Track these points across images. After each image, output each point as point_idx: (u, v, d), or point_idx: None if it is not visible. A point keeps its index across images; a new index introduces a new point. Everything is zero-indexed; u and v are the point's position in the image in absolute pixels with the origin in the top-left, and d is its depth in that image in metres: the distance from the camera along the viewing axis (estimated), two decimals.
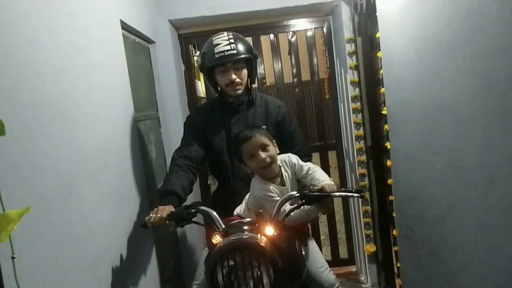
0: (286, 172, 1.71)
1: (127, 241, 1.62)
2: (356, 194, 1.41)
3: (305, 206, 1.46)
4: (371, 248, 2.83)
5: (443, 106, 1.38)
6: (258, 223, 1.35)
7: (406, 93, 1.74)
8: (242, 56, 1.83)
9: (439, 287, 1.60)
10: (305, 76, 3.13)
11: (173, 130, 2.71)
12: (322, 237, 3.57)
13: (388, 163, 2.12)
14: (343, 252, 3.34)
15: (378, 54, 2.13)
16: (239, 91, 1.91)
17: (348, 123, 2.92)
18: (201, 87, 3.56)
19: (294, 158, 1.74)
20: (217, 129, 1.95)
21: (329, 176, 1.75)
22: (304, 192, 1.42)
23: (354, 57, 2.73)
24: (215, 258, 1.22)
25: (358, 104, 2.77)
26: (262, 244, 1.22)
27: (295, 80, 3.13)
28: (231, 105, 1.95)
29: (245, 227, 1.34)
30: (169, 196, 1.64)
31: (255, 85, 2.11)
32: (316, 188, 1.45)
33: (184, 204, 1.61)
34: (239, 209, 1.76)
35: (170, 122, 2.72)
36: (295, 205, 1.47)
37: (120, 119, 1.74)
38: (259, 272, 1.20)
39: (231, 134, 1.91)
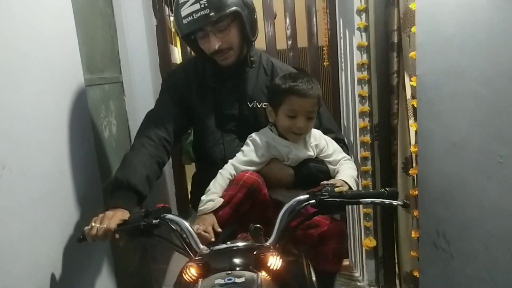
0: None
1: (62, 258, 1.13)
2: (396, 202, 0.98)
3: None
4: (370, 242, 2.45)
5: None
6: (255, 248, 0.90)
7: (456, 57, 1.28)
8: (221, 13, 1.26)
9: None
10: (302, 42, 2.65)
11: (140, 99, 2.19)
12: None
13: (413, 148, 1.68)
14: None
15: (411, 6, 1.64)
16: (230, 60, 1.39)
17: (350, 96, 2.46)
18: (178, 54, 3.06)
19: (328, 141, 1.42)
20: (205, 98, 1.46)
21: None
22: (322, 197, 0.97)
23: (363, 15, 2.25)
24: None
25: (366, 73, 2.30)
26: None
27: (290, 45, 2.63)
28: (224, 72, 1.44)
29: (238, 259, 0.87)
30: (124, 192, 1.16)
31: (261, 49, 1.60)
32: (335, 190, 1.00)
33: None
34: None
35: (137, 88, 2.19)
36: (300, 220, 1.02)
37: (56, 83, 1.22)
38: None
39: (222, 109, 1.44)
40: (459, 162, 1.32)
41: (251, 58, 1.44)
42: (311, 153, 1.36)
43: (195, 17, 1.25)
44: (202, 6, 1.24)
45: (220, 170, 1.31)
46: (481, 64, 1.17)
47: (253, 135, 1.37)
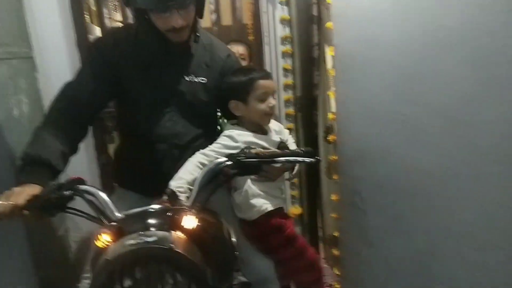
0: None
1: None
2: (308, 159, 1.02)
3: None
4: (296, 210, 2.55)
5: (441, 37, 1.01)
6: (171, 210, 0.89)
7: (369, 27, 1.35)
8: None
9: (402, 267, 1.32)
10: (226, 20, 2.63)
11: (55, 77, 2.05)
12: None
13: (331, 116, 1.75)
14: None
15: None
16: (185, 36, 1.33)
17: (275, 70, 2.49)
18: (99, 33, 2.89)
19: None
20: (140, 72, 1.37)
21: None
22: (239, 158, 0.99)
23: None
24: (102, 277, 0.74)
25: (289, 47, 2.35)
26: (180, 250, 0.77)
27: (214, 22, 2.61)
28: (169, 47, 1.36)
29: (151, 220, 0.87)
30: (37, 167, 1.10)
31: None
32: (252, 151, 1.03)
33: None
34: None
35: (51, 65, 2.04)
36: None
37: None
38: None
39: (158, 83, 1.37)
40: (372, 124, 1.41)
41: (197, 34, 1.41)
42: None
43: None
44: None
45: (190, 158, 1.28)
46: (392, 32, 1.24)
47: (229, 132, 1.38)
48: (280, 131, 1.50)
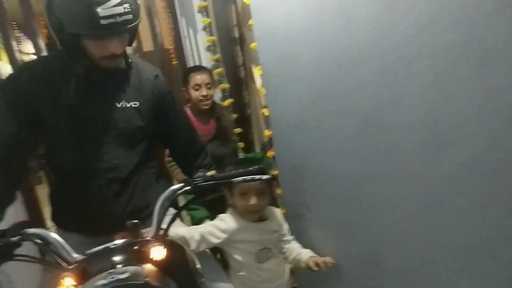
0: None
1: None
2: (265, 176, 1.05)
3: None
4: None
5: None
6: (136, 243, 0.86)
7: (290, 45, 1.43)
8: (138, 20, 1.23)
9: (354, 269, 1.39)
10: (147, 45, 2.59)
11: None
12: None
13: (266, 133, 1.80)
14: None
15: (245, 1, 1.75)
16: (119, 63, 1.30)
17: None
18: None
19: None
20: (63, 104, 1.27)
21: None
22: (196, 182, 0.98)
23: (205, 13, 2.32)
24: None
25: (218, 69, 2.37)
26: (156, 284, 0.74)
27: (136, 48, 2.55)
28: (101, 73, 1.29)
29: (117, 256, 0.82)
30: None
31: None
32: (207, 174, 1.03)
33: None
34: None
35: None
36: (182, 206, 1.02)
37: None
38: None
39: (87, 114, 1.29)
40: (304, 139, 1.48)
41: (130, 60, 1.36)
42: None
43: (118, 20, 1.14)
44: (126, 10, 1.15)
45: (187, 230, 1.34)
46: (311, 50, 1.33)
47: (224, 216, 1.46)
48: (280, 223, 1.56)
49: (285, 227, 1.57)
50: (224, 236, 1.40)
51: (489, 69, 0.97)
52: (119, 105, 1.33)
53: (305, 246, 1.66)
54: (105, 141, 1.31)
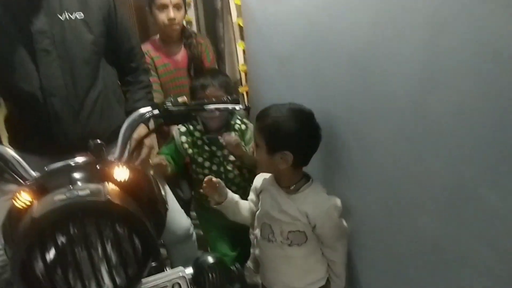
0: None
1: None
2: (239, 106, 1.01)
3: None
4: None
5: None
6: (99, 162, 0.82)
7: None
8: None
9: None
10: None
11: None
12: None
13: (241, 68, 1.74)
14: None
15: None
16: None
17: None
18: None
19: None
20: (8, 18, 1.17)
21: None
22: (167, 107, 0.94)
23: None
24: (29, 238, 0.65)
25: None
26: (118, 202, 0.70)
27: None
28: None
29: (78, 173, 0.78)
30: None
31: None
32: (179, 100, 0.99)
33: None
34: None
35: None
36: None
37: None
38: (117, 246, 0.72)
39: (28, 30, 1.18)
40: (285, 75, 1.43)
41: None
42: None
43: None
44: None
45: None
46: None
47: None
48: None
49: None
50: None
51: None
52: (61, 17, 1.23)
53: None
54: (53, 57, 1.22)
